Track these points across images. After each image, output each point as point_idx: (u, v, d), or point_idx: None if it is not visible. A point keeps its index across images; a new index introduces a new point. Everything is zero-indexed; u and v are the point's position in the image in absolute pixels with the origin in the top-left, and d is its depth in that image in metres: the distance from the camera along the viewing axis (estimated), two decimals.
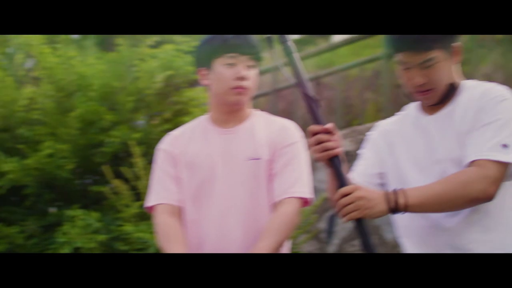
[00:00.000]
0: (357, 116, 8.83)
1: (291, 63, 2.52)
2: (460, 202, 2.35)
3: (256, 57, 2.90)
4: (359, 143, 6.28)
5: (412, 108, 2.71)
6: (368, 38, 9.16)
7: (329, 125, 2.40)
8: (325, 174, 6.42)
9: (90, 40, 21.37)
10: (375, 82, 9.88)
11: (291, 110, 9.37)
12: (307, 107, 2.46)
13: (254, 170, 2.85)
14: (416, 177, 2.56)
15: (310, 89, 2.47)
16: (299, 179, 2.86)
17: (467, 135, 2.44)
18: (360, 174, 2.73)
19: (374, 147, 2.75)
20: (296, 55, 2.52)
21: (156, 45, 5.50)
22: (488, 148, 2.36)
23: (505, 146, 2.36)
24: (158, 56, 5.34)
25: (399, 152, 2.65)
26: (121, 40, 5.47)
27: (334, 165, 2.41)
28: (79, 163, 5.21)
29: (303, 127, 9.55)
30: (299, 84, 2.49)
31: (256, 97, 8.67)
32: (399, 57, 2.52)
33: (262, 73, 8.95)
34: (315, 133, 2.41)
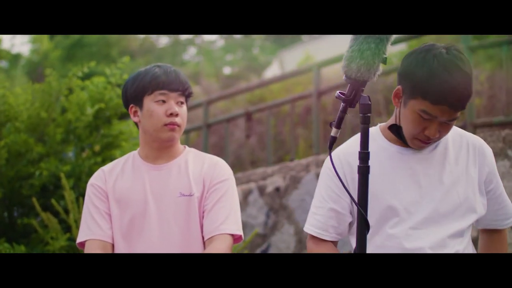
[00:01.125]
0: (289, 151, 8.90)
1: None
2: None
3: (186, 93, 2.92)
4: (290, 179, 6.32)
5: (376, 137, 2.64)
6: (298, 75, 9.28)
7: None
8: (256, 209, 6.44)
9: (19, 69, 21.09)
10: (306, 119, 10.00)
11: (222, 145, 9.39)
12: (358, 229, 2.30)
13: (185, 206, 2.86)
14: (403, 213, 2.55)
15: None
16: (230, 216, 2.86)
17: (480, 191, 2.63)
18: (335, 228, 2.65)
19: (338, 185, 2.61)
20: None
21: (85, 77, 5.45)
22: None
23: None
24: (88, 87, 5.30)
25: (376, 187, 2.56)
26: (50, 71, 5.41)
27: None
28: (6, 194, 5.11)
29: (234, 162, 9.54)
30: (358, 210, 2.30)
31: (187, 131, 8.71)
32: (430, 108, 2.43)
33: (193, 107, 8.97)
34: None
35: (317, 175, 6.12)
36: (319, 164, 6.32)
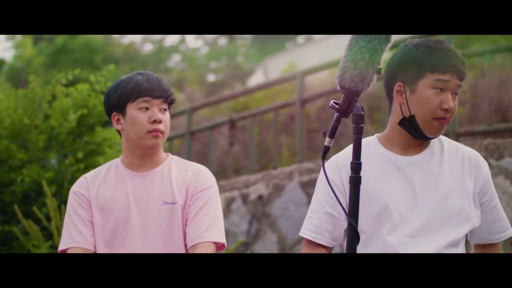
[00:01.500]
0: (272, 159, 8.91)
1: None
2: None
3: (169, 100, 2.92)
4: (273, 187, 6.32)
5: (373, 144, 2.66)
6: (282, 83, 9.30)
7: None
8: (239, 217, 6.44)
9: (2, 75, 20.97)
10: (290, 127, 10.02)
11: (205, 152, 9.38)
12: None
13: (169, 214, 2.85)
14: (397, 218, 2.55)
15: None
16: (213, 224, 2.87)
17: (473, 202, 2.64)
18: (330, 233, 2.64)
19: (330, 191, 2.55)
20: None
21: (69, 83, 5.43)
22: (509, 224, 2.77)
23: None
24: (72, 94, 5.27)
25: (372, 191, 2.56)
26: (34, 77, 5.39)
27: None
28: None
29: (218, 169, 9.51)
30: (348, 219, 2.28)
31: (170, 139, 8.70)
32: (440, 76, 2.51)
33: (177, 114, 8.95)
34: None
35: (300, 183, 6.13)
36: (303, 172, 6.33)
